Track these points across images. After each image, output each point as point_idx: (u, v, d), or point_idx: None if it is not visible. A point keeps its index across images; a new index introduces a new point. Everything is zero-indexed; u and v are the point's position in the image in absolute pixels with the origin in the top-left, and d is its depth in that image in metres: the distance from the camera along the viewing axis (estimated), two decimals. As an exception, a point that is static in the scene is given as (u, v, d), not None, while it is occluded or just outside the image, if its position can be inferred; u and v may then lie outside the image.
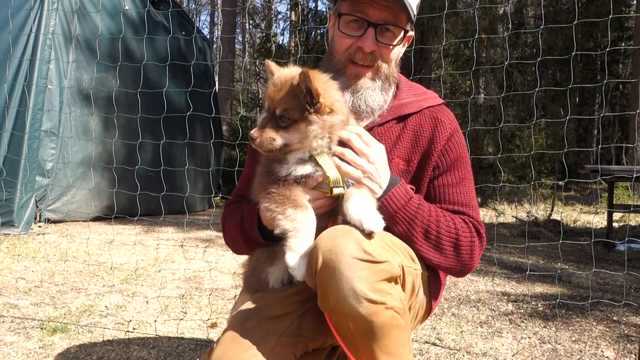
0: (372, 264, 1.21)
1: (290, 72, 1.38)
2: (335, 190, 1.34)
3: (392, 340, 1.27)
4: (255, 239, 1.54)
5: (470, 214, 1.54)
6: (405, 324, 1.30)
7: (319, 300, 1.28)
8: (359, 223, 1.26)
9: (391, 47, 1.53)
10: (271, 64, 1.40)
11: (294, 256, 1.27)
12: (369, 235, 1.25)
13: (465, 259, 1.48)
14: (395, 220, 1.43)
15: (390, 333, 1.25)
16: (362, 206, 1.30)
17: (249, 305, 1.45)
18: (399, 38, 1.54)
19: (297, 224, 1.29)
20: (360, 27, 1.50)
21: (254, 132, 1.34)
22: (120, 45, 6.34)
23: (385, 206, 1.41)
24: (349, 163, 1.37)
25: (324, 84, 1.35)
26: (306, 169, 1.35)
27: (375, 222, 1.26)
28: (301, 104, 1.31)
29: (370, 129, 1.59)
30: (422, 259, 1.48)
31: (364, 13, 1.49)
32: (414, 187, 1.51)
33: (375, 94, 1.56)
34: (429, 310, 1.63)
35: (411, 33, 1.62)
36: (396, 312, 1.25)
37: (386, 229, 1.40)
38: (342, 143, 1.39)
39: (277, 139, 1.33)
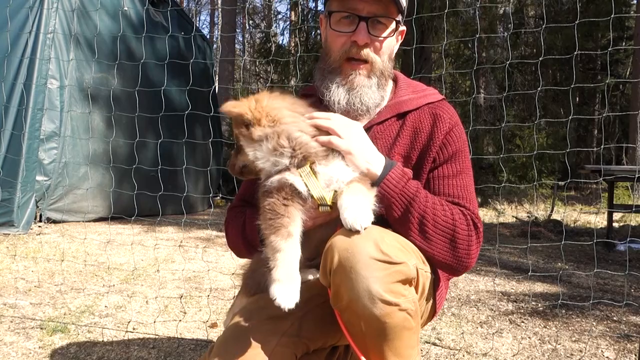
0: (388, 265, 1.20)
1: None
2: (321, 209, 1.33)
3: (402, 342, 1.26)
4: (255, 244, 1.53)
5: (468, 207, 1.49)
6: (417, 326, 1.30)
7: (332, 299, 1.27)
8: (344, 221, 1.25)
9: (383, 38, 1.53)
10: (224, 107, 1.42)
11: (279, 287, 1.23)
12: (356, 232, 1.23)
13: (462, 255, 1.42)
14: (393, 205, 1.39)
15: (401, 335, 1.25)
16: (349, 203, 1.27)
17: (250, 305, 1.45)
18: (390, 29, 1.54)
19: (277, 254, 1.27)
20: (352, 23, 1.50)
21: (229, 163, 1.52)
22: (121, 45, 6.34)
23: (383, 191, 1.37)
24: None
25: (247, 101, 1.40)
26: (290, 176, 1.34)
27: (359, 219, 1.23)
28: (243, 125, 1.40)
29: (369, 127, 1.58)
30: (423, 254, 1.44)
31: (353, 8, 1.49)
32: (411, 171, 1.48)
33: (372, 92, 1.54)
34: (432, 314, 1.62)
35: (403, 28, 1.62)
36: (409, 314, 1.25)
37: (382, 220, 1.39)
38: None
39: (236, 163, 1.48)
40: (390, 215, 1.41)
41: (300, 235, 1.31)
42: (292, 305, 1.22)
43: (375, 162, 1.39)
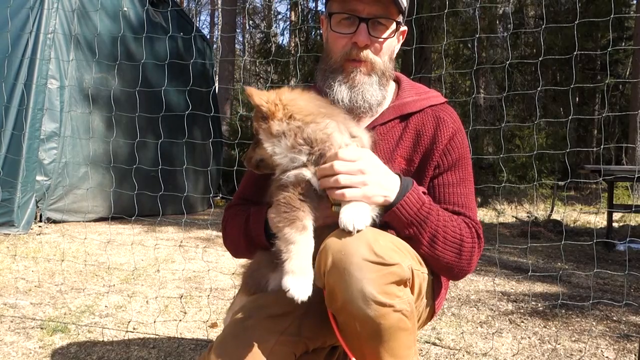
0: (382, 267, 1.20)
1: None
2: (334, 209, 1.32)
3: (398, 343, 1.26)
4: (258, 240, 1.52)
5: (470, 216, 1.52)
6: (413, 326, 1.30)
7: (327, 300, 1.27)
8: (340, 221, 1.25)
9: (383, 39, 1.54)
10: (248, 90, 1.39)
11: (293, 279, 1.22)
12: (348, 233, 1.23)
13: (464, 264, 1.47)
14: (405, 226, 1.40)
15: (397, 336, 1.25)
16: (348, 205, 1.28)
17: (249, 303, 1.45)
18: (391, 30, 1.55)
19: (291, 246, 1.26)
20: (352, 24, 1.51)
21: (245, 156, 1.51)
22: (121, 46, 6.35)
23: (398, 214, 1.37)
24: (347, 186, 1.31)
25: (268, 93, 1.39)
26: (307, 173, 1.33)
27: (354, 221, 1.24)
28: (258, 121, 1.38)
29: (372, 128, 1.59)
30: (427, 263, 1.46)
31: (354, 10, 1.50)
32: (425, 191, 1.48)
33: (373, 89, 1.55)
34: (431, 314, 1.62)
35: (404, 28, 1.63)
36: (404, 315, 1.25)
37: (385, 227, 1.39)
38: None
39: (253, 156, 1.46)
40: (402, 234, 1.41)
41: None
42: (305, 298, 1.21)
43: (391, 190, 1.36)
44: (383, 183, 1.35)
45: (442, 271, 1.51)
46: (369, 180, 1.31)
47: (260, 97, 1.37)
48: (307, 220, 1.30)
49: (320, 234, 1.33)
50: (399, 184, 1.38)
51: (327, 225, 1.35)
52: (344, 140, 1.38)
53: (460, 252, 1.45)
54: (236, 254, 1.69)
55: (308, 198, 1.32)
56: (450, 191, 1.54)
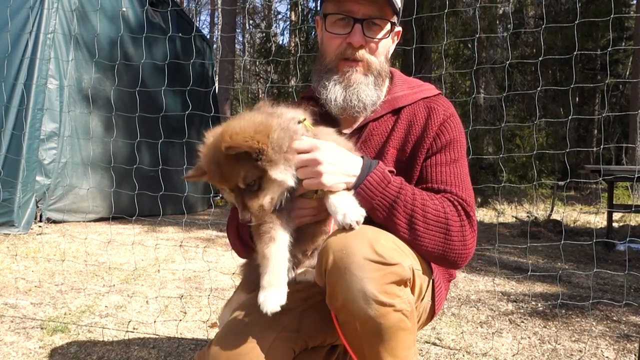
0: (383, 266, 1.20)
1: (207, 153, 1.32)
2: (316, 196, 1.33)
3: (398, 343, 1.26)
4: (250, 246, 1.53)
5: (459, 194, 1.45)
6: (413, 326, 1.29)
7: (328, 299, 1.28)
8: (337, 222, 1.26)
9: (378, 40, 1.54)
10: (228, 142, 1.25)
11: (262, 294, 1.25)
12: (351, 229, 1.23)
13: (457, 246, 1.38)
14: (374, 208, 1.35)
15: (397, 336, 1.25)
16: (339, 200, 1.28)
17: (248, 300, 1.45)
18: (385, 31, 1.55)
19: (263, 261, 1.29)
20: (347, 25, 1.51)
21: (244, 216, 1.30)
22: (119, 48, 6.34)
23: (363, 195, 1.34)
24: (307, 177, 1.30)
25: (239, 131, 1.24)
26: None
27: (349, 215, 1.24)
28: (249, 160, 1.24)
29: (364, 124, 1.59)
30: (415, 251, 1.40)
31: (348, 10, 1.50)
32: (393, 170, 1.44)
33: (369, 89, 1.55)
34: (431, 315, 1.61)
35: (399, 28, 1.63)
36: (404, 315, 1.24)
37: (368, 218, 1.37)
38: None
39: (264, 202, 1.29)
40: (375, 218, 1.37)
41: (291, 234, 1.33)
42: (274, 309, 1.24)
43: (351, 174, 1.33)
44: (342, 168, 1.32)
45: (436, 259, 1.42)
46: (325, 169, 1.28)
47: (243, 137, 1.22)
48: (274, 231, 1.30)
49: (305, 228, 1.36)
50: (361, 166, 1.35)
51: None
52: (294, 119, 1.35)
53: (447, 232, 1.37)
54: (238, 253, 1.71)
55: (279, 206, 1.32)
56: (440, 170, 1.48)
